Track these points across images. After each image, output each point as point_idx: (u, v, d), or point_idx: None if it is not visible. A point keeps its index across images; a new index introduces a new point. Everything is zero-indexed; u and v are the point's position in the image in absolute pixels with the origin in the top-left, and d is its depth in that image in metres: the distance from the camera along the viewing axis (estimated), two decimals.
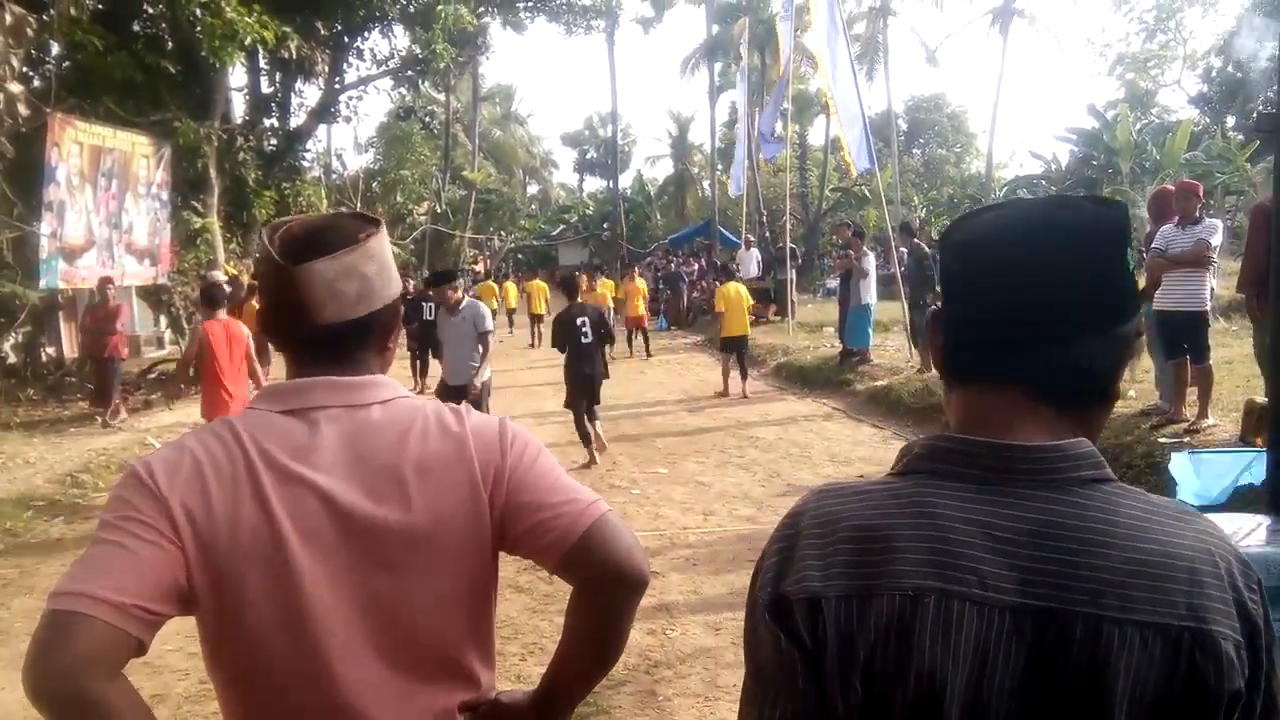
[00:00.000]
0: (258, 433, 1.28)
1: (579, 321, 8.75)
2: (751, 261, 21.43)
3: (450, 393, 7.68)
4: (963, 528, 0.87)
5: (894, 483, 0.94)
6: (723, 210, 36.52)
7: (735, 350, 12.64)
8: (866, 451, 8.89)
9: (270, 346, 7.40)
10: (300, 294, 1.29)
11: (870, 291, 12.87)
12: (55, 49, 13.58)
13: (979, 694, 0.84)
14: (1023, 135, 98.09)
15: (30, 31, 10.26)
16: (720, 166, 39.13)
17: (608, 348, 9.55)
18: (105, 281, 11.49)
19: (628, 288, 19.56)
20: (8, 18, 9.77)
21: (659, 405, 12.26)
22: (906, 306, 12.35)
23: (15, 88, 10.11)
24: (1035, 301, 0.90)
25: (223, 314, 7.59)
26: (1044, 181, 34.08)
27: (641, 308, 18.31)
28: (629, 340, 18.15)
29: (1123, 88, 36.62)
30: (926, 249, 12.24)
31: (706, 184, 44.60)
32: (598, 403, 9.11)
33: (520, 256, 46.87)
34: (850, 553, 0.88)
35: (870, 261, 13.06)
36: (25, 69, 11.58)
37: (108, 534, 1.19)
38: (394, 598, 1.27)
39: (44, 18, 10.64)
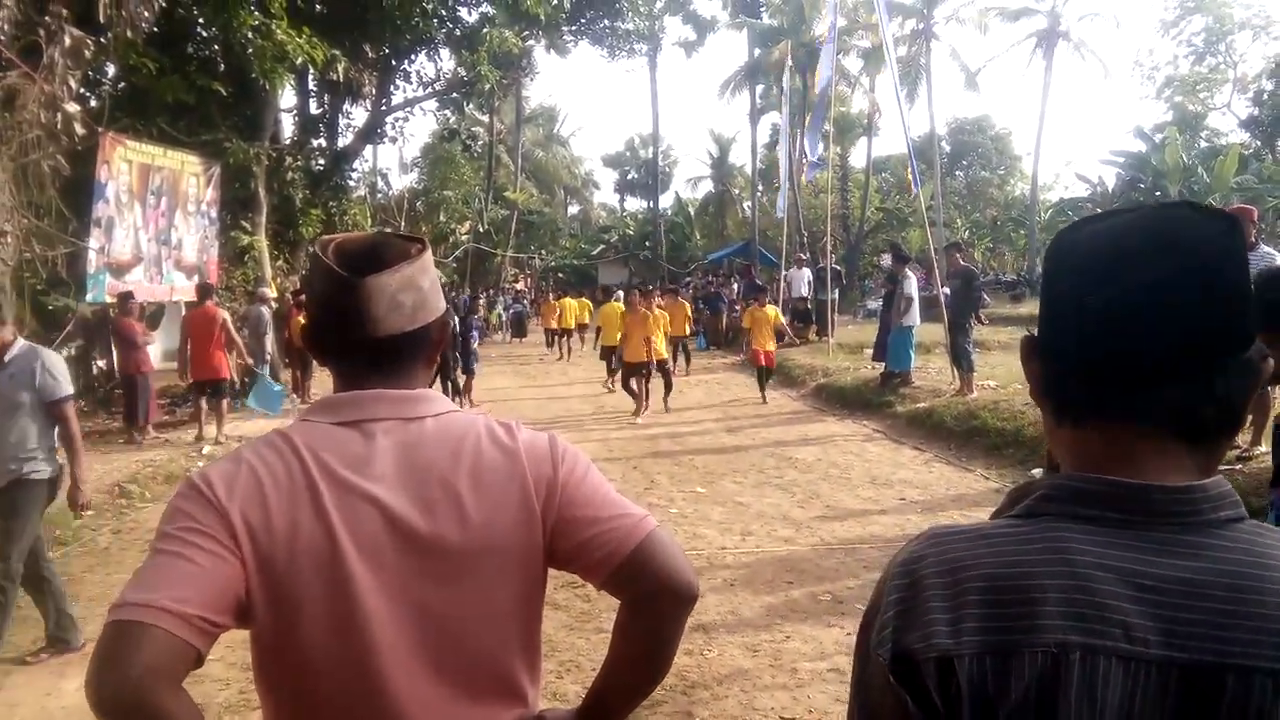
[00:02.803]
0: (315, 444, 1.28)
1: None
2: (801, 281, 21.26)
3: None
4: (1104, 575, 0.80)
5: (1020, 526, 0.86)
6: (763, 231, 36.50)
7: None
8: (908, 474, 8.79)
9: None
10: (363, 306, 1.30)
11: (913, 313, 12.77)
12: (111, 70, 13.95)
13: None
14: (1068, 158, 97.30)
15: (88, 53, 10.52)
16: (760, 187, 39.17)
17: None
18: (125, 296, 11.36)
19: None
20: (67, 40, 10.03)
21: (697, 424, 12.23)
22: (947, 328, 12.22)
23: (72, 108, 10.36)
24: (1166, 333, 0.82)
25: (209, 303, 11.57)
26: (1090, 204, 33.70)
27: (770, 342, 14.25)
28: (760, 379, 14.25)
29: (1171, 110, 36.16)
30: (975, 270, 12.14)
31: (747, 205, 44.65)
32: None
33: (561, 275, 47.17)
34: (983, 605, 0.81)
35: (913, 284, 12.97)
36: (82, 89, 11.88)
37: (168, 545, 1.19)
38: (447, 611, 1.27)
39: (101, 40, 10.92)
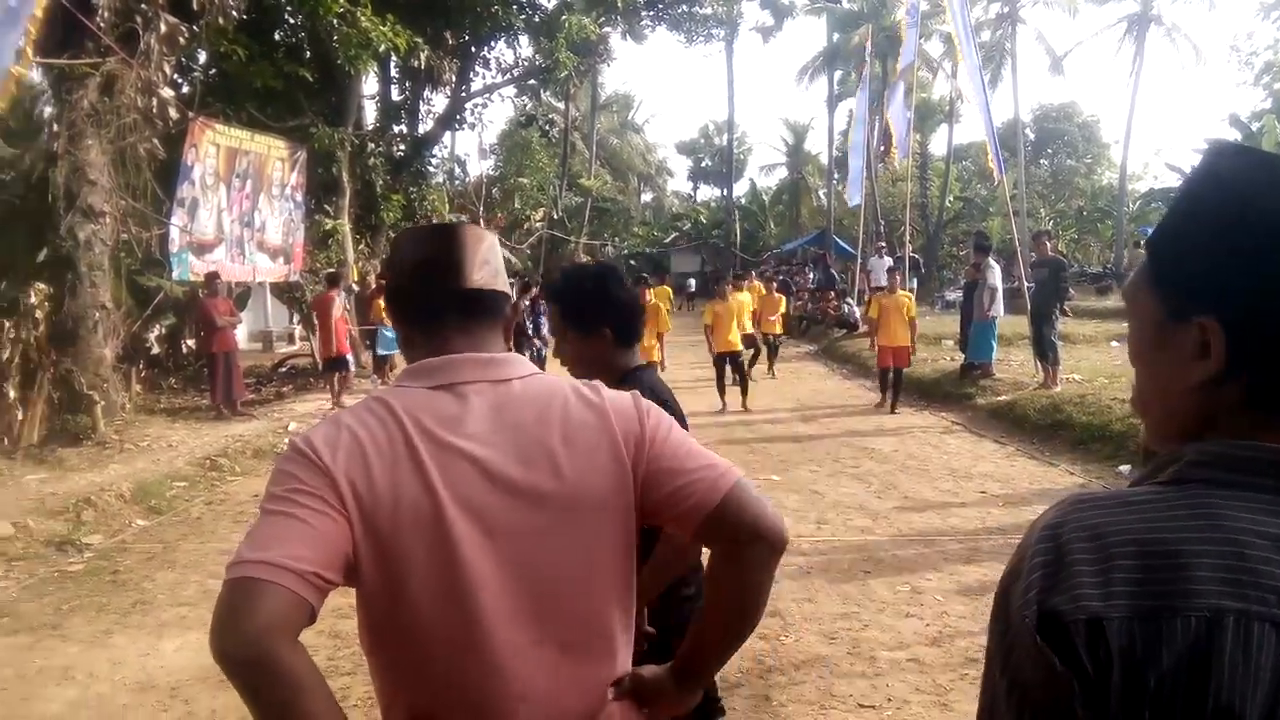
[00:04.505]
0: (411, 407, 1.31)
1: None
2: (883, 270, 20.93)
3: None
4: (1259, 542, 0.78)
5: (1166, 492, 0.84)
6: (838, 220, 36.05)
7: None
8: (988, 467, 8.62)
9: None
10: (461, 251, 1.39)
11: (997, 304, 12.48)
12: (203, 57, 14.35)
13: None
14: (1158, 146, 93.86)
15: (182, 40, 10.84)
16: (836, 175, 38.68)
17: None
18: (211, 277, 11.82)
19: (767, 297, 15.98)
20: (163, 26, 10.35)
21: (771, 412, 12.16)
22: (1030, 319, 11.93)
23: (167, 93, 10.70)
24: None
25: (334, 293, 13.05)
26: None
27: (903, 335, 11.92)
28: (883, 386, 12.26)
29: (1269, 98, 34.63)
30: (1063, 259, 11.83)
31: (822, 193, 44.15)
32: None
33: (633, 263, 47.26)
34: (1132, 569, 0.79)
35: (996, 275, 12.67)
36: (175, 75, 12.25)
37: (278, 505, 1.22)
38: (545, 566, 1.29)
39: (194, 28, 11.24)
